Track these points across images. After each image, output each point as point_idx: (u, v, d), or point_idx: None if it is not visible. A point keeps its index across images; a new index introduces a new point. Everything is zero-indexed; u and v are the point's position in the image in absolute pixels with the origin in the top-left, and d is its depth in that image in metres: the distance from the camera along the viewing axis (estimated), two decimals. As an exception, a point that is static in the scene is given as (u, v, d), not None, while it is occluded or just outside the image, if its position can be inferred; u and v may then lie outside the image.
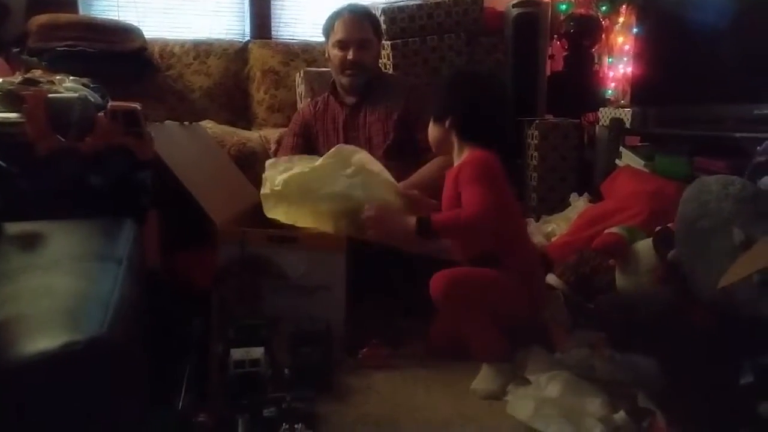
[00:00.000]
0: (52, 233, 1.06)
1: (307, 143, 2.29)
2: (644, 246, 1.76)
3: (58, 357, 0.65)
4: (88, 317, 0.73)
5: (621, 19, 3.06)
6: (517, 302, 1.58)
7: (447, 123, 1.69)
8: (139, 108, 1.36)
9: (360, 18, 2.24)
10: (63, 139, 1.29)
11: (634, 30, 2.92)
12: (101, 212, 1.26)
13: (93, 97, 1.43)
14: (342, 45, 2.19)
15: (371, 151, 2.19)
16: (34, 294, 0.79)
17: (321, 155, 2.26)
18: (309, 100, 2.60)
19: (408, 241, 1.64)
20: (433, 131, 1.75)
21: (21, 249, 0.98)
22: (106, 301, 0.78)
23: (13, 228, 1.07)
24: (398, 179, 2.06)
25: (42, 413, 0.65)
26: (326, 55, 2.31)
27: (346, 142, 2.23)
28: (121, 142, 1.33)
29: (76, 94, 1.37)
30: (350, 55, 2.18)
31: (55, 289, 0.81)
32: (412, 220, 1.57)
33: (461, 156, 1.68)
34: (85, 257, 0.95)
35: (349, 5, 2.29)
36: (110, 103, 1.37)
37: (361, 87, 2.23)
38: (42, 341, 0.68)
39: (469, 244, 1.66)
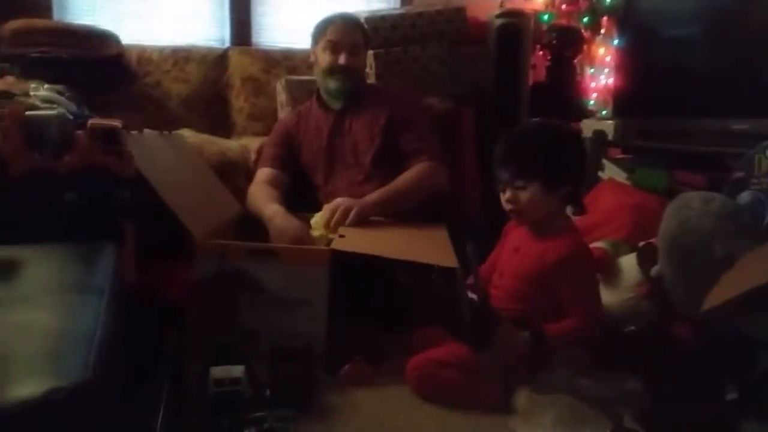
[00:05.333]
0: (28, 261, 1.02)
1: (289, 153, 2.27)
2: (628, 261, 1.77)
3: (41, 405, 0.62)
4: (71, 359, 0.69)
5: (602, 31, 3.09)
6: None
7: (562, 192, 1.56)
8: (119, 126, 1.33)
9: (353, 24, 2.26)
10: (40, 158, 1.26)
11: (615, 42, 2.95)
12: (78, 232, 1.22)
13: (71, 111, 1.39)
14: (334, 48, 2.18)
15: (357, 158, 2.18)
16: (11, 333, 0.75)
17: (303, 164, 2.26)
18: (290, 109, 2.57)
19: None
20: (538, 199, 1.56)
21: (-4, 278, 0.94)
22: (90, 340, 0.74)
23: (-13, 254, 1.02)
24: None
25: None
26: (312, 58, 2.29)
27: (331, 149, 2.21)
28: (100, 161, 1.29)
29: (55, 112, 1.33)
30: (342, 60, 2.17)
31: (33, 327, 0.77)
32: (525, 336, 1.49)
33: (560, 227, 1.59)
34: (65, 289, 0.91)
35: (341, 13, 2.30)
36: (90, 121, 1.33)
37: (349, 92, 2.22)
38: (23, 388, 0.64)
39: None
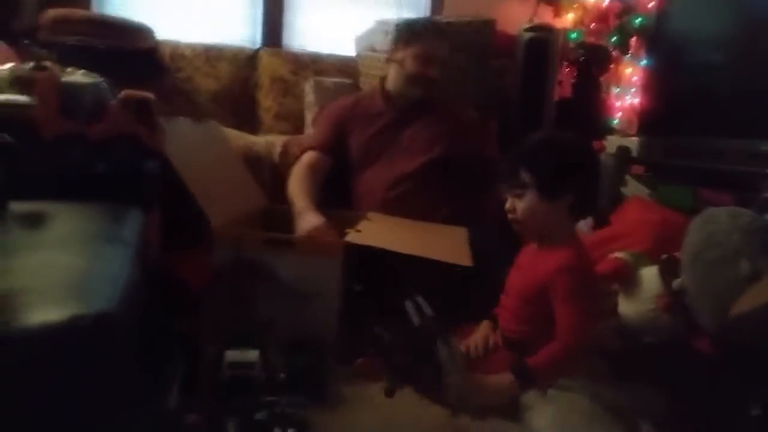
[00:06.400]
0: (59, 213, 1.03)
1: (338, 137, 2.26)
2: (649, 273, 1.74)
3: (64, 330, 0.62)
4: (95, 293, 0.70)
5: (630, 51, 3.09)
6: None
7: (564, 203, 1.53)
8: (152, 97, 1.35)
9: (438, 35, 2.31)
10: (72, 124, 1.27)
11: (643, 62, 2.95)
12: (106, 199, 1.23)
13: (106, 84, 1.41)
14: (427, 58, 2.21)
15: (407, 156, 2.19)
16: (38, 268, 0.76)
17: (351, 153, 2.25)
18: (317, 110, 2.59)
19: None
20: (535, 207, 1.53)
21: (26, 227, 0.95)
22: (115, 280, 0.75)
23: (19, 207, 1.04)
24: (433, 200, 2.09)
25: (43, 386, 0.62)
26: (393, 57, 2.29)
27: (382, 143, 2.22)
28: (131, 131, 1.31)
29: (90, 80, 1.35)
30: (432, 72, 2.22)
31: (60, 265, 0.78)
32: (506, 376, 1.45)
33: (560, 239, 1.56)
34: (93, 237, 0.91)
35: (430, 21, 2.43)
36: (123, 92, 1.35)
37: (422, 98, 2.25)
38: (47, 313, 0.64)
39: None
